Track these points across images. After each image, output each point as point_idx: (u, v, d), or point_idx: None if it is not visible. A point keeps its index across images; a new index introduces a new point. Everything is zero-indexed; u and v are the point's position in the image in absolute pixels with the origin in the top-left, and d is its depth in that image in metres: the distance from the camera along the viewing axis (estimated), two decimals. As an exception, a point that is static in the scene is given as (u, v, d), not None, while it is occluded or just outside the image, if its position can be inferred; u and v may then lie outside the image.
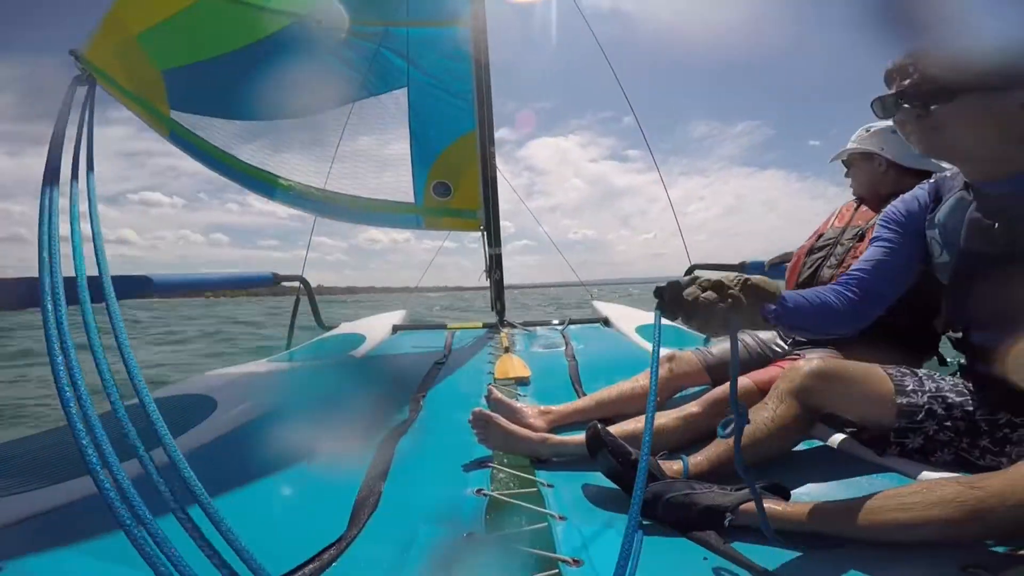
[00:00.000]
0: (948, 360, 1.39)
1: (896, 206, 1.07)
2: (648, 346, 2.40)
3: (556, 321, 3.32)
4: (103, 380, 0.74)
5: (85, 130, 1.29)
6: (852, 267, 1.04)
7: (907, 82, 0.86)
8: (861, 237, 1.41)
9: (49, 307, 0.71)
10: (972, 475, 0.72)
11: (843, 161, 1.57)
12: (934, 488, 0.71)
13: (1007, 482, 0.67)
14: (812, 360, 1.08)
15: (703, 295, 0.76)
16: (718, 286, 0.76)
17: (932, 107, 0.84)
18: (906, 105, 0.86)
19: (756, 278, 0.79)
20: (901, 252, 1.02)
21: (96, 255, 0.94)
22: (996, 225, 0.87)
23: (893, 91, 0.88)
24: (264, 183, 2.89)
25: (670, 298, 0.80)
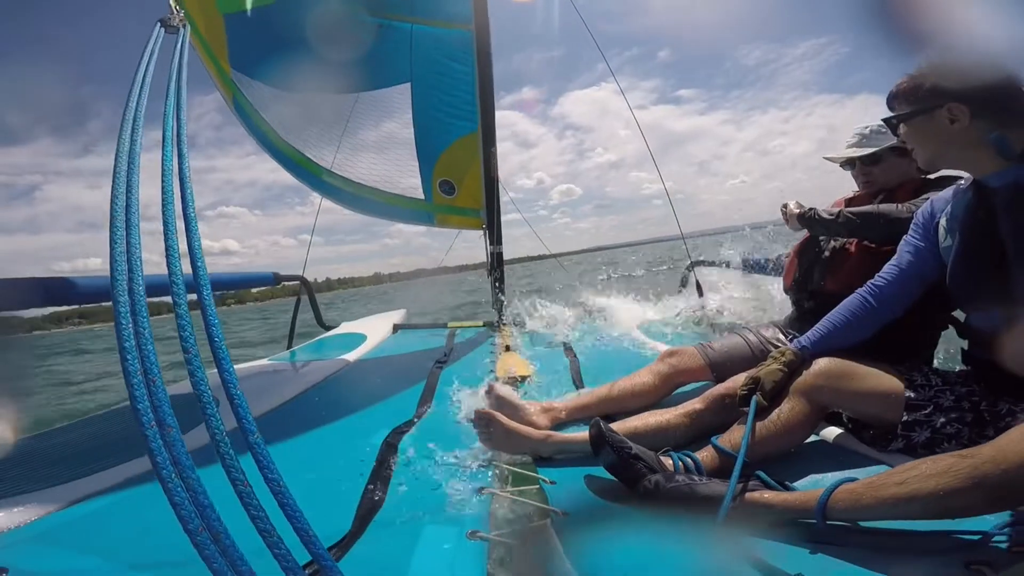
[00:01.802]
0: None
1: (924, 209, 1.16)
2: (648, 342, 2.40)
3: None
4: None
5: (173, 90, 1.00)
6: (878, 274, 1.18)
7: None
8: None
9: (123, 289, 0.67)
10: (966, 449, 0.73)
11: (861, 160, 1.53)
12: (930, 462, 0.73)
13: (997, 448, 0.68)
14: (820, 360, 1.09)
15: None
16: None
17: (898, 134, 1.09)
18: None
19: (767, 372, 1.10)
20: (925, 254, 1.13)
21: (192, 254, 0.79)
22: (982, 213, 0.98)
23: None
24: (305, 169, 3.03)
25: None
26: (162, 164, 0.88)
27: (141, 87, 1.00)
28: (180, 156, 0.91)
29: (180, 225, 0.80)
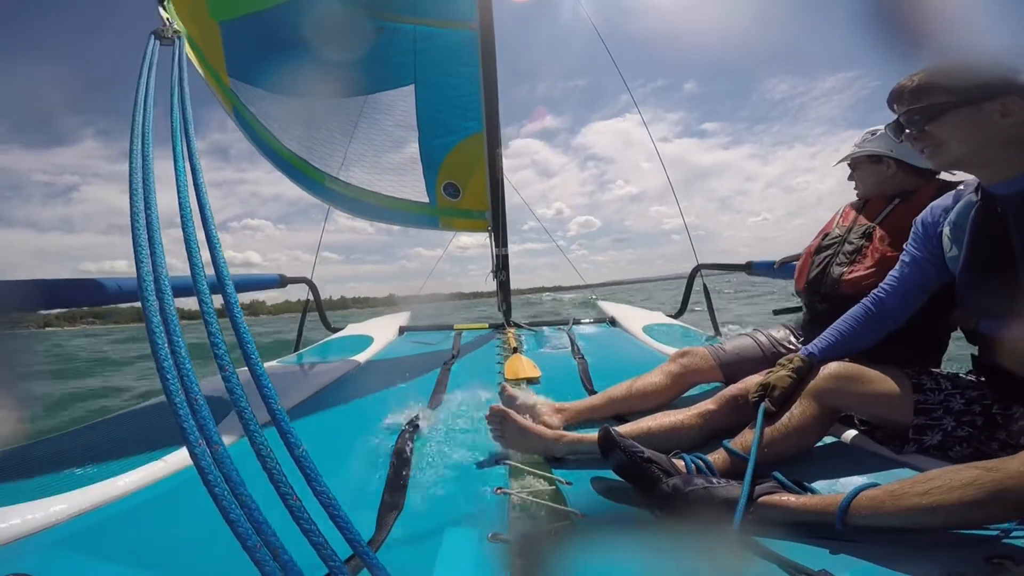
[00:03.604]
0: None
1: (923, 216, 1.16)
2: (655, 344, 2.40)
3: (562, 321, 3.32)
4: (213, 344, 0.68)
5: (177, 102, 1.00)
6: (879, 285, 1.20)
7: (904, 108, 1.02)
8: (870, 236, 1.42)
9: (152, 298, 0.68)
10: (990, 460, 0.73)
11: (848, 164, 1.58)
12: (954, 473, 0.73)
13: None
14: (831, 364, 1.10)
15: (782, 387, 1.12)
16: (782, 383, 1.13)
17: (926, 127, 0.99)
18: (908, 129, 1.03)
19: (776, 378, 1.12)
20: (925, 266, 1.13)
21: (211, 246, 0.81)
22: (995, 223, 0.96)
23: (897, 116, 1.05)
24: (307, 176, 3.01)
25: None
26: (176, 179, 0.88)
27: (145, 101, 1.00)
28: (193, 169, 0.91)
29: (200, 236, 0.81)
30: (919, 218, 1.17)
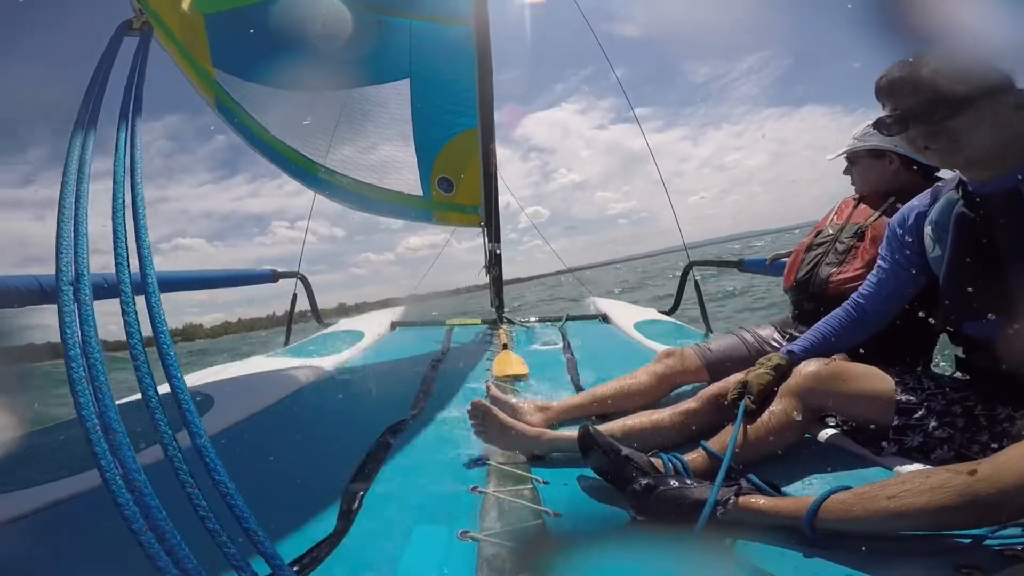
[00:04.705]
0: (940, 363, 1.39)
1: (897, 220, 1.14)
2: (646, 341, 2.40)
3: (554, 317, 3.32)
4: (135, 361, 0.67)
5: (132, 94, 0.99)
6: (859, 290, 1.20)
7: (913, 100, 0.91)
8: (861, 236, 1.40)
9: (68, 288, 0.66)
10: (962, 463, 0.71)
11: (846, 158, 1.55)
12: (924, 476, 0.71)
13: (995, 466, 0.66)
14: (812, 361, 1.09)
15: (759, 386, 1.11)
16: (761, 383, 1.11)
17: (948, 121, 0.89)
18: (919, 125, 0.92)
19: (755, 376, 1.11)
20: (900, 272, 1.12)
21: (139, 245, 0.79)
22: (979, 220, 0.94)
23: (899, 111, 0.94)
24: (299, 166, 2.98)
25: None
26: (114, 168, 0.87)
27: (99, 90, 0.97)
28: (132, 162, 0.89)
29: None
30: (892, 221, 1.16)
